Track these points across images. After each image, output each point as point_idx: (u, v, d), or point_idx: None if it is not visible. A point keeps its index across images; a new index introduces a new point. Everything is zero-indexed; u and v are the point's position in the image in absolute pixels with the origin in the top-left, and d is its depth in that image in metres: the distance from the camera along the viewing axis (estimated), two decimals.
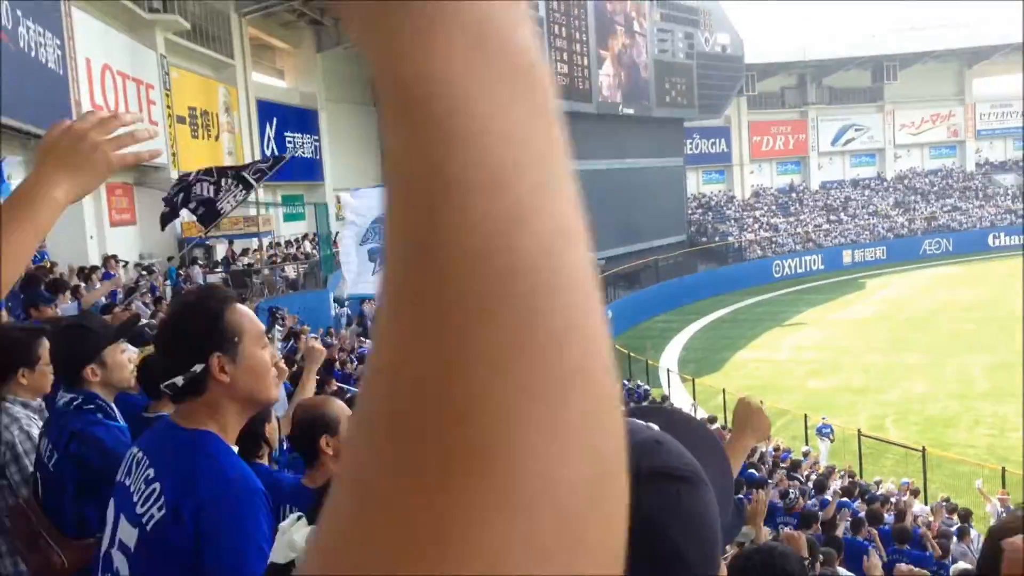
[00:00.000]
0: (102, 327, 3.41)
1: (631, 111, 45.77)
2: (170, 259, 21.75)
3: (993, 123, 64.38)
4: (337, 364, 15.37)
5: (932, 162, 64.26)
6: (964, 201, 59.69)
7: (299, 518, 1.57)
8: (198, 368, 2.13)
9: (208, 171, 10.01)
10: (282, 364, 4.47)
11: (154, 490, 2.07)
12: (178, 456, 2.11)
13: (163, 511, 2.04)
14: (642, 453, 0.93)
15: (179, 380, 2.14)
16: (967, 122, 64.14)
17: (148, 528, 2.05)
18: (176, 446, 2.14)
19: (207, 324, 2.15)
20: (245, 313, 2.22)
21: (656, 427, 0.99)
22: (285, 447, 4.61)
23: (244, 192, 10.17)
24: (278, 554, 1.53)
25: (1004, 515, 13.73)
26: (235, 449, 2.21)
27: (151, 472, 2.11)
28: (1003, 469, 16.59)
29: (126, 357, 3.49)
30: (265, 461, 3.59)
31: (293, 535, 1.53)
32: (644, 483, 0.88)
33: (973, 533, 13.33)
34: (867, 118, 62.95)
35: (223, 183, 9.80)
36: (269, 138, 30.35)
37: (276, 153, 30.38)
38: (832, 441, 19.79)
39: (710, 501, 0.95)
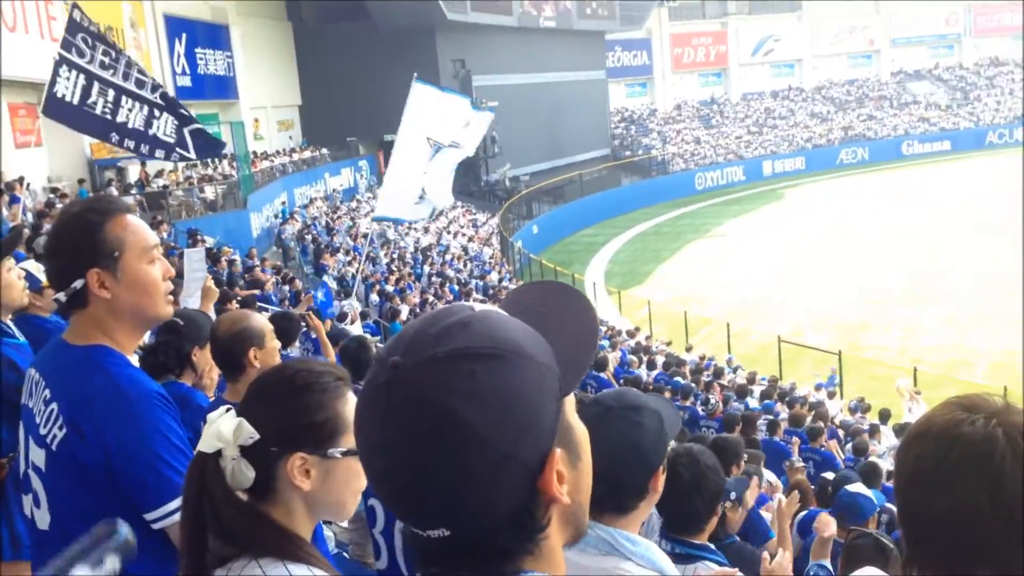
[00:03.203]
0: None
1: (552, 24, 45.16)
2: (81, 181, 20.99)
3: (908, 31, 65.26)
4: (268, 286, 15.12)
5: (849, 71, 65.09)
6: (879, 110, 60.81)
7: (228, 410, 1.56)
8: (78, 284, 2.07)
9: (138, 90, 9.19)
10: (210, 283, 4.35)
11: (52, 410, 2.04)
12: (71, 374, 2.07)
13: (64, 430, 2.01)
14: (441, 339, 0.95)
15: (61, 296, 2.09)
16: (883, 31, 64.91)
17: (54, 448, 2.03)
18: (68, 364, 2.09)
19: (84, 238, 2.07)
20: (129, 225, 2.12)
21: (481, 307, 1.01)
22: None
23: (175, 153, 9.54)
24: (205, 443, 1.53)
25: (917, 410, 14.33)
26: (134, 360, 2.17)
27: (47, 392, 2.07)
28: (915, 369, 17.29)
29: (14, 275, 3.33)
30: (188, 382, 3.49)
31: (220, 426, 1.53)
32: (435, 367, 0.93)
33: (884, 429, 13.91)
34: (786, 27, 63.26)
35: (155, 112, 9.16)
36: (179, 55, 29.17)
37: (186, 71, 29.36)
38: (836, 393, 17.84)
39: (526, 373, 0.95)
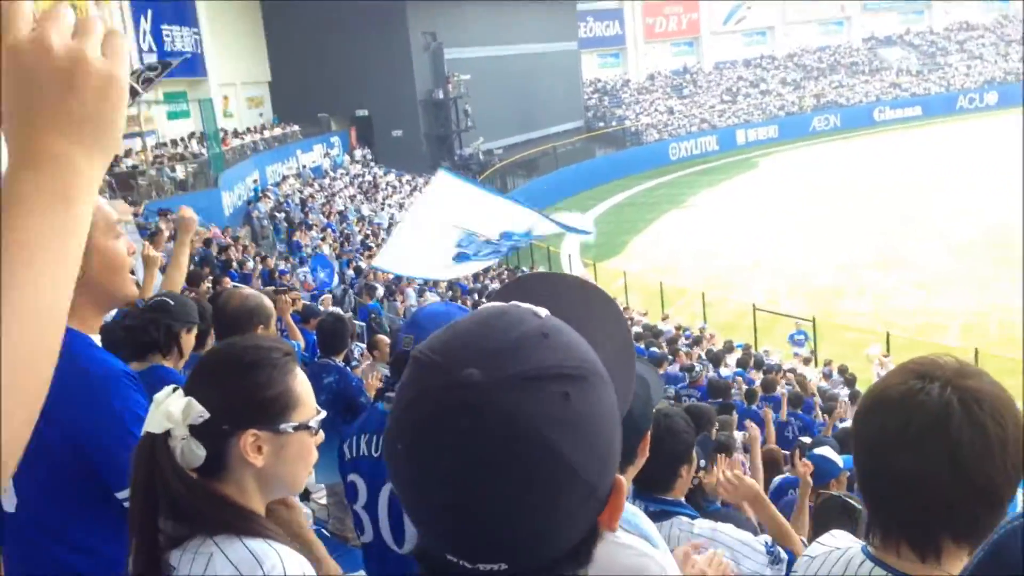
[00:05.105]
0: None
1: None
2: None
3: None
4: (234, 264, 15.04)
5: (821, 38, 65.12)
6: (851, 77, 60.96)
7: (174, 389, 1.54)
8: None
9: None
10: (150, 251, 4.26)
11: None
12: None
13: None
14: (523, 353, 0.81)
15: None
16: None
17: None
18: None
19: None
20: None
21: (545, 312, 0.87)
22: None
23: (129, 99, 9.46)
24: (153, 424, 1.51)
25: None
26: (96, 340, 2.13)
27: None
28: (887, 334, 17.47)
29: None
30: (171, 364, 3.46)
31: (168, 405, 1.51)
32: (527, 389, 0.79)
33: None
34: None
35: None
36: (145, 31, 28.70)
37: (153, 48, 28.93)
38: (807, 346, 18.69)
39: (606, 396, 0.84)
